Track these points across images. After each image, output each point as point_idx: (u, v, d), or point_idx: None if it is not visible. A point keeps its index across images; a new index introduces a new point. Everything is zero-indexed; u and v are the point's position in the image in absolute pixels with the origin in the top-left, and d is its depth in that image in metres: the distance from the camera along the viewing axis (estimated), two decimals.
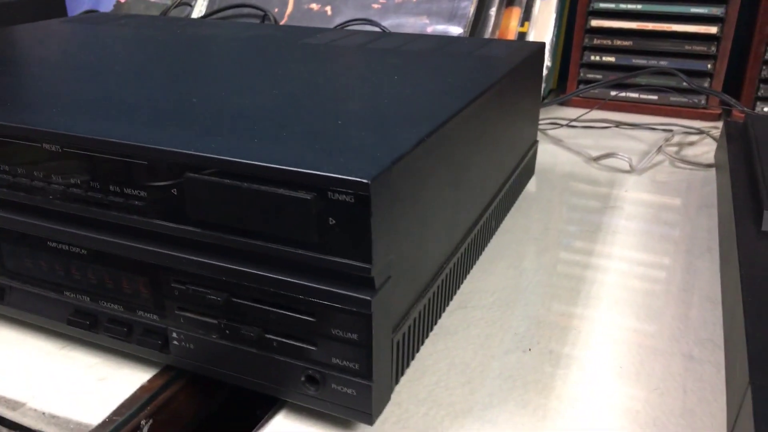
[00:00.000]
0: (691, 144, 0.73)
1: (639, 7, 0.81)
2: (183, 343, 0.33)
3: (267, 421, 0.33)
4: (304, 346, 0.30)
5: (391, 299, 0.30)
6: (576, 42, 0.85)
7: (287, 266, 0.29)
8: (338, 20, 0.81)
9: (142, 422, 0.33)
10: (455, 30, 0.76)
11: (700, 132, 0.76)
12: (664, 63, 0.82)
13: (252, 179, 0.28)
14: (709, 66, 0.80)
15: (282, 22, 0.84)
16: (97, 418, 0.33)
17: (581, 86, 0.85)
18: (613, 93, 0.84)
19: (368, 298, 0.28)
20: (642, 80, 0.82)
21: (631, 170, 0.65)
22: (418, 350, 0.36)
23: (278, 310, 0.30)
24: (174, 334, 0.33)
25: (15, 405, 0.34)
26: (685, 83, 0.79)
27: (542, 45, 0.56)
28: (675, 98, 0.82)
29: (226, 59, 0.49)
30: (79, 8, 1.02)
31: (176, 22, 0.65)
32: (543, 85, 0.73)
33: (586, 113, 0.80)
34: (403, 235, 0.30)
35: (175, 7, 0.92)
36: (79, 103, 0.37)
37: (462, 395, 0.35)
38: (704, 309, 0.43)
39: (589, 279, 0.46)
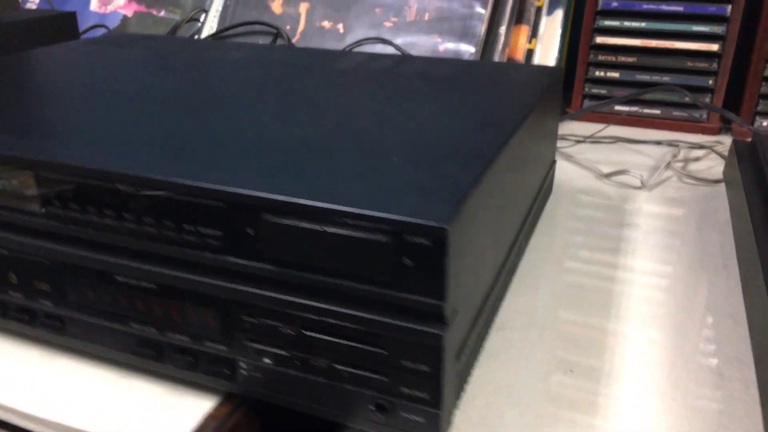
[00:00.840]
0: (696, 159, 0.76)
1: (643, 25, 0.84)
2: (251, 373, 0.35)
3: None
4: (375, 376, 0.32)
5: (456, 330, 0.32)
6: (581, 58, 0.88)
7: (360, 301, 0.31)
8: (350, 38, 0.83)
9: None
10: (467, 48, 0.78)
11: (701, 147, 0.78)
12: (666, 79, 0.84)
13: (330, 222, 0.30)
14: (710, 82, 0.83)
15: (294, 40, 0.86)
16: None
17: (587, 101, 0.87)
18: (626, 109, 0.86)
19: (441, 333, 0.30)
20: (648, 96, 0.85)
21: (642, 186, 0.68)
22: (471, 375, 0.38)
23: (350, 343, 0.32)
24: (242, 364, 0.35)
25: None
26: (687, 98, 0.82)
27: (561, 69, 0.59)
28: (677, 113, 0.85)
29: (263, 87, 0.50)
30: (85, 23, 1.03)
31: (199, 44, 0.66)
32: None
33: (603, 129, 0.83)
34: (465, 269, 0.32)
35: (185, 23, 0.93)
36: (142, 140, 0.38)
37: (513, 417, 0.37)
38: (727, 327, 0.45)
39: (617, 293, 0.49)
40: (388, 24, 0.82)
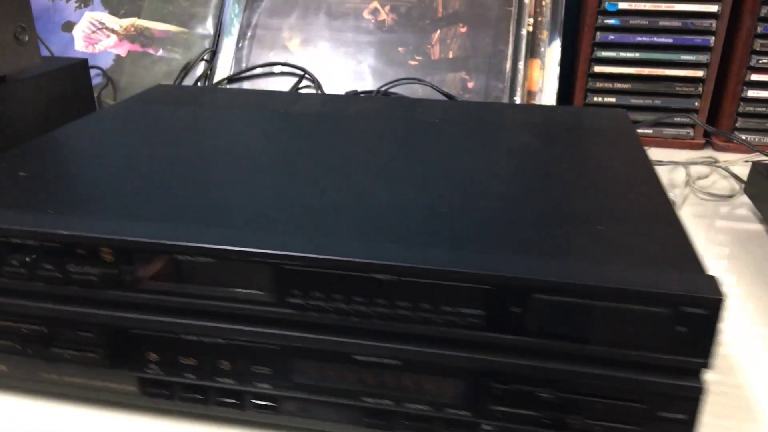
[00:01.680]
0: (706, 177, 0.85)
1: (637, 55, 0.92)
2: None
3: None
4: (629, 427, 0.36)
5: None
6: (579, 85, 0.95)
7: (626, 364, 0.35)
8: (376, 78, 0.86)
9: None
10: (497, 84, 0.83)
11: (702, 163, 0.88)
12: (657, 102, 0.94)
13: (602, 298, 0.34)
14: (696, 104, 0.93)
15: None
16: None
17: None
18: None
19: (701, 386, 0.34)
20: (640, 117, 0.94)
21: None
22: None
23: (608, 401, 0.36)
24: (487, 427, 0.38)
25: None
26: (677, 118, 0.92)
27: (625, 112, 0.65)
28: (667, 131, 0.95)
29: (369, 144, 0.53)
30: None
31: (275, 97, 0.67)
32: None
33: None
34: None
35: (197, 62, 0.92)
36: (373, 225, 0.40)
37: None
38: None
39: None
40: (413, 63, 0.85)
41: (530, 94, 0.87)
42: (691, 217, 0.74)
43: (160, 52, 0.97)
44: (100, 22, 1.01)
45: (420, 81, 0.81)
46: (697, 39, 0.90)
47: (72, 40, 1.01)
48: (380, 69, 0.86)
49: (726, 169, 0.85)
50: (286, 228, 0.39)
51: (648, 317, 0.33)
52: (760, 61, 0.90)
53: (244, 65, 0.90)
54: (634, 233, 0.39)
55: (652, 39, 0.91)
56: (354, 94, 0.81)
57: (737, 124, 0.93)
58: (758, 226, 0.71)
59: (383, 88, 0.80)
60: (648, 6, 0.90)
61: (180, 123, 0.59)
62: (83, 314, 0.41)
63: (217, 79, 0.90)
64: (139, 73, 0.98)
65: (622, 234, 0.39)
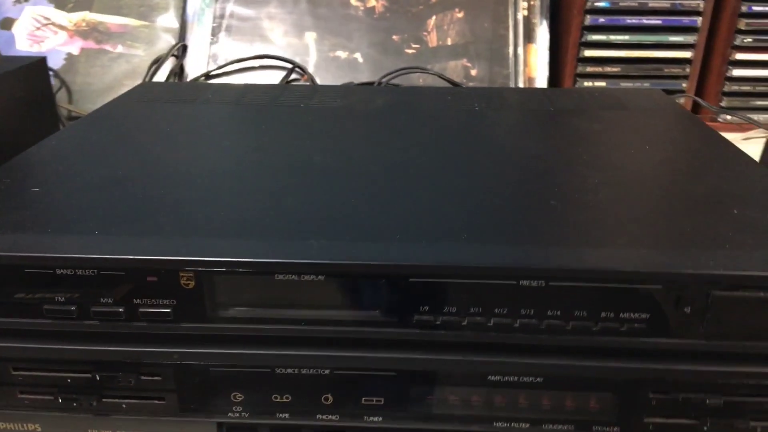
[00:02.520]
0: None
1: (627, 38, 0.91)
2: None
3: None
4: None
5: None
6: (569, 70, 0.93)
7: None
8: (374, 68, 0.80)
9: None
10: (502, 71, 0.79)
11: None
12: (647, 84, 0.93)
13: None
14: (684, 85, 0.93)
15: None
16: None
17: None
18: None
19: None
20: None
21: None
22: None
23: None
24: None
25: None
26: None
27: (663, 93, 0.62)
28: None
29: (436, 137, 0.48)
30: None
31: (284, 90, 0.60)
32: None
33: None
34: None
35: (167, 57, 0.83)
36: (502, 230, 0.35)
37: None
38: None
39: None
40: (410, 51, 0.80)
41: (530, 80, 0.84)
42: None
43: (119, 49, 0.88)
44: (45, 18, 0.90)
45: (424, 70, 0.76)
46: (685, 20, 0.90)
47: (12, 38, 0.90)
48: (376, 59, 0.80)
49: None
50: (405, 236, 0.33)
51: None
52: (745, 41, 0.90)
53: (221, 60, 0.82)
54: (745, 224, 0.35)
55: (641, 21, 0.90)
56: (371, 84, 0.74)
57: (722, 104, 0.93)
58: None
59: (384, 79, 0.75)
60: None
61: (201, 123, 0.52)
62: (149, 354, 0.34)
63: (193, 75, 0.82)
64: (95, 72, 0.88)
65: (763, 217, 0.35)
